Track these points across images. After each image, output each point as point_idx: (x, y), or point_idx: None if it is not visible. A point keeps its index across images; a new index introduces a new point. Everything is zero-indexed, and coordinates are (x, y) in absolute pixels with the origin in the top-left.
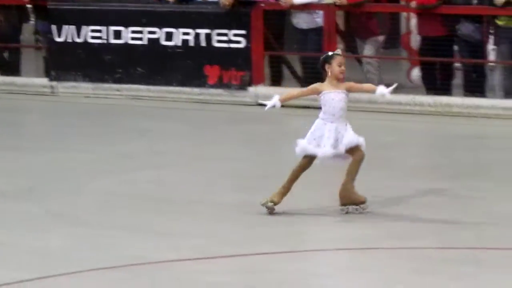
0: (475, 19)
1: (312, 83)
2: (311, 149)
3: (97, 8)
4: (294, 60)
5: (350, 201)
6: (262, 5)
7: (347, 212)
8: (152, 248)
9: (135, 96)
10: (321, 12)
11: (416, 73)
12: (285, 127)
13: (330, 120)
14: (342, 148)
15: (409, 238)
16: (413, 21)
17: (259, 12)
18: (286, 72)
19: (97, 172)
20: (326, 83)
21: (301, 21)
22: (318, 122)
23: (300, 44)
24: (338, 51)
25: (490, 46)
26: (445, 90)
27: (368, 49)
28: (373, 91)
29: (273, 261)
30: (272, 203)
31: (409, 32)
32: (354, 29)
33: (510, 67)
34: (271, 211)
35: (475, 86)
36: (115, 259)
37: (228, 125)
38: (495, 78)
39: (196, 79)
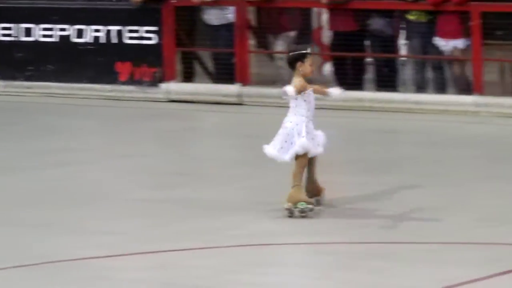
0: (387, 14)
1: (224, 79)
2: (312, 147)
3: (7, 5)
4: (206, 56)
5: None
6: (173, 1)
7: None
8: (64, 245)
9: (46, 93)
10: (232, 8)
11: (327, 68)
12: (197, 123)
13: (311, 118)
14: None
15: (321, 234)
16: (325, 16)
17: (170, 9)
18: (198, 68)
19: (8, 169)
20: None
21: (212, 17)
22: (303, 119)
23: (212, 40)
24: (310, 50)
25: (401, 41)
26: (357, 84)
27: (279, 45)
28: (326, 94)
29: (188, 257)
30: (309, 204)
31: (320, 28)
32: (265, 24)
33: (421, 61)
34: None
35: (387, 80)
36: (26, 257)
37: (139, 122)
38: (406, 73)
39: (107, 76)
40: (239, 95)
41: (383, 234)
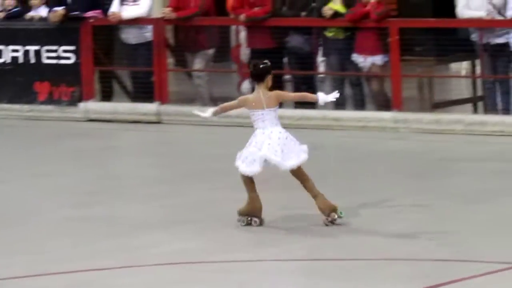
0: (304, 31)
1: (143, 97)
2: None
3: None
4: (125, 75)
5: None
6: (91, 20)
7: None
8: None
9: None
10: (150, 27)
11: (246, 85)
12: (116, 142)
13: None
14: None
15: (239, 251)
16: (243, 34)
17: (88, 28)
18: (116, 87)
19: None
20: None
21: (130, 36)
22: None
23: (130, 59)
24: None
25: (320, 58)
26: None
27: (198, 63)
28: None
29: (109, 276)
30: (334, 214)
31: (238, 45)
32: (183, 43)
33: (340, 78)
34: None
35: None
36: None
37: (58, 141)
38: (325, 89)
39: (26, 95)
40: (157, 114)
41: (307, 251)
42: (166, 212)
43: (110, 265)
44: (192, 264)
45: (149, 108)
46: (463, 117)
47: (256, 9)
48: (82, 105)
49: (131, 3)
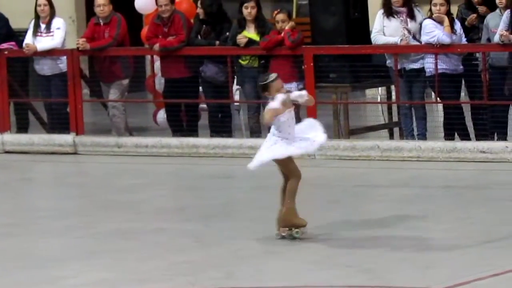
0: (219, 60)
1: (59, 129)
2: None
3: None
4: (40, 106)
5: (291, 223)
6: (6, 52)
7: (290, 235)
8: None
9: None
10: (64, 58)
11: (161, 115)
12: (31, 174)
13: None
14: None
15: (155, 281)
16: (158, 63)
17: (2, 60)
18: (32, 118)
19: None
20: None
21: (45, 67)
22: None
23: (45, 91)
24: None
25: (235, 86)
26: (192, 131)
27: (113, 93)
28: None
29: None
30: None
31: (153, 75)
32: (98, 73)
33: (255, 106)
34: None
35: (221, 126)
36: None
37: None
38: (240, 118)
39: None
40: (73, 145)
41: (220, 279)
42: (83, 243)
43: None
44: None
45: (65, 139)
46: (379, 143)
47: (170, 38)
48: None
49: (45, 35)
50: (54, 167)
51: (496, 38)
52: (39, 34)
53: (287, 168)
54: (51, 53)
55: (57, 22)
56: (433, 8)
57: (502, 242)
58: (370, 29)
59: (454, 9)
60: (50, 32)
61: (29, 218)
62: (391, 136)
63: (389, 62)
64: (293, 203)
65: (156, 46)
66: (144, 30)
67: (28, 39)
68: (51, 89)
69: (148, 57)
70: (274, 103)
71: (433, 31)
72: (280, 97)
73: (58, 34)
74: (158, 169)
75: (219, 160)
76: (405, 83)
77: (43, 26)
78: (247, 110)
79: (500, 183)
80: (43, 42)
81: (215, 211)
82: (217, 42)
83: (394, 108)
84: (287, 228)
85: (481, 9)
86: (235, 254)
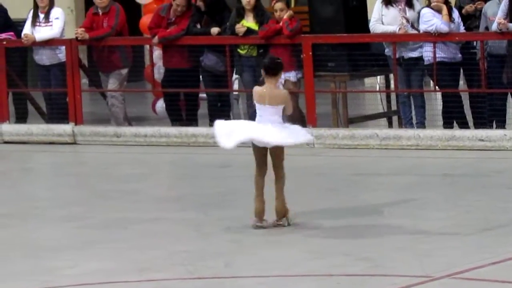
0: (218, 49)
1: (57, 119)
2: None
3: None
4: (39, 96)
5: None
6: (4, 42)
7: (288, 224)
8: None
9: None
10: (63, 48)
11: (161, 104)
12: (30, 164)
13: None
14: None
15: (154, 271)
16: (157, 53)
17: (1, 50)
18: (31, 108)
19: None
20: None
21: (44, 57)
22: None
23: (44, 80)
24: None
25: (234, 76)
26: (191, 120)
27: (112, 83)
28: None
29: None
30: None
31: (152, 64)
32: (97, 63)
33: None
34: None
35: (220, 116)
36: None
37: None
38: (240, 107)
39: None
40: (72, 135)
41: (219, 269)
42: (80, 232)
43: (25, 287)
44: (107, 284)
45: (64, 129)
46: (378, 131)
47: (171, 27)
48: None
49: (44, 25)
50: (53, 157)
51: (494, 27)
52: (37, 24)
53: (280, 158)
54: (50, 43)
55: (56, 12)
56: None
57: (501, 230)
58: (369, 18)
59: None
60: (49, 22)
61: (27, 208)
62: (390, 125)
63: (387, 51)
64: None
65: (155, 39)
66: (143, 20)
67: (27, 29)
68: (50, 79)
69: (147, 46)
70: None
71: (431, 20)
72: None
73: (56, 24)
74: (157, 158)
75: (218, 150)
76: (403, 71)
77: (41, 16)
78: (246, 99)
79: (499, 171)
80: (42, 32)
81: (214, 200)
82: (216, 30)
83: (393, 96)
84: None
85: (479, 4)
86: (234, 243)
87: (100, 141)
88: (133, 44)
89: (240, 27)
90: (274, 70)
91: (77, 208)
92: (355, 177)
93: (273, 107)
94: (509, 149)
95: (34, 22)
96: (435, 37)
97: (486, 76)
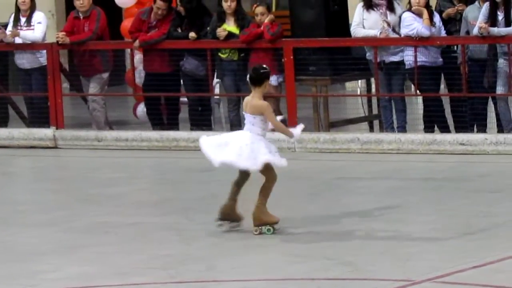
0: (199, 53)
1: (38, 123)
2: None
3: None
4: (20, 100)
5: (262, 222)
6: None
7: (260, 233)
8: None
9: None
10: (44, 51)
11: (141, 109)
12: (11, 168)
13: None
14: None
15: (136, 275)
16: (138, 57)
17: None
18: (12, 112)
19: None
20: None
21: (25, 61)
22: (259, 138)
23: (25, 84)
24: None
25: (215, 80)
26: (172, 125)
27: (93, 87)
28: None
29: None
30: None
31: (133, 69)
32: (78, 67)
33: (235, 99)
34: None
35: (201, 119)
36: None
37: None
38: (221, 111)
39: None
40: (53, 139)
41: (201, 272)
42: (62, 237)
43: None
44: None
45: (45, 133)
46: (359, 135)
47: (152, 31)
48: None
49: (25, 28)
50: (34, 161)
51: (475, 31)
52: (19, 28)
53: (268, 169)
54: (31, 47)
55: (38, 16)
56: (412, 0)
57: (482, 234)
58: (350, 22)
59: (433, 2)
60: (30, 26)
61: (8, 212)
62: (371, 129)
63: (368, 55)
64: (265, 201)
65: (136, 43)
66: (124, 24)
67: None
68: (31, 83)
69: (128, 50)
70: (296, 131)
71: (412, 24)
72: (299, 128)
73: (38, 28)
74: (138, 162)
75: (199, 154)
76: (384, 75)
77: (23, 19)
78: (227, 103)
79: (480, 175)
80: (25, 32)
81: (196, 205)
82: (194, 35)
83: (374, 100)
84: (259, 227)
85: (460, 6)
86: (215, 247)
87: (82, 145)
88: (114, 48)
89: (222, 31)
90: (257, 81)
91: (58, 212)
92: (336, 181)
93: (251, 116)
94: (490, 153)
95: (16, 26)
96: (416, 41)
97: (467, 80)
